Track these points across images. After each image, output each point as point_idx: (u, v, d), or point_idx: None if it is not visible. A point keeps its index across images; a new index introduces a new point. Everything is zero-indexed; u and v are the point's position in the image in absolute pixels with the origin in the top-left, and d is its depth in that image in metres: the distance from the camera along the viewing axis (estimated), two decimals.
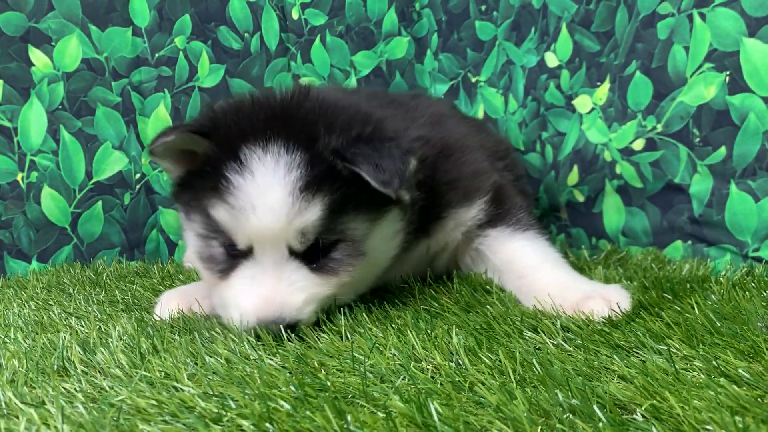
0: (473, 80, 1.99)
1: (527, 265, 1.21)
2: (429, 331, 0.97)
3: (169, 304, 1.17)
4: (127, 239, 1.77)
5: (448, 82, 2.06)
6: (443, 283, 1.28)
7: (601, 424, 0.66)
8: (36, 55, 1.65)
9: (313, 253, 1.06)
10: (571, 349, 0.90)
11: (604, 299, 1.04)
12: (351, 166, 1.02)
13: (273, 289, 1.03)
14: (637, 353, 0.88)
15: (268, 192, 1.01)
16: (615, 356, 0.85)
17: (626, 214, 1.57)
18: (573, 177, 1.68)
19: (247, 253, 1.05)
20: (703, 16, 1.37)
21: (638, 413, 0.70)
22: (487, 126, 1.79)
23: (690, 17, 1.39)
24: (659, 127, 1.47)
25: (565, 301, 1.06)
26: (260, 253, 1.04)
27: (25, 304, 1.32)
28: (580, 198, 1.67)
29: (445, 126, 1.36)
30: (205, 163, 1.06)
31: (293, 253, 1.04)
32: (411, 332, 0.95)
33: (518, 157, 1.72)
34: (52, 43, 1.66)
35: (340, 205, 1.04)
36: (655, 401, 0.71)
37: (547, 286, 1.12)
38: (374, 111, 1.17)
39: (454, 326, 0.97)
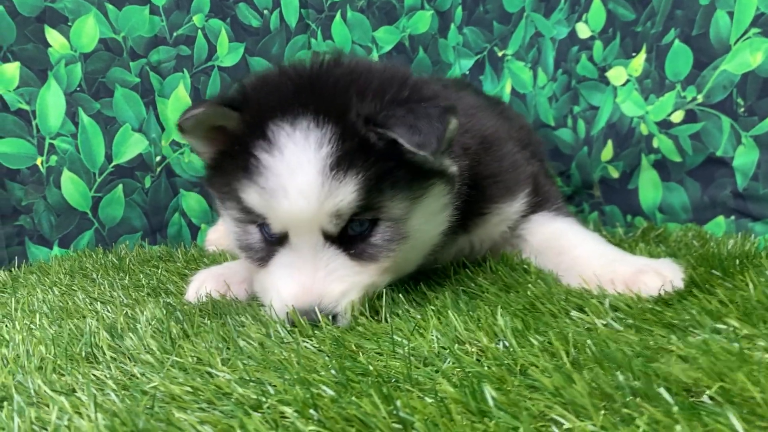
0: (500, 54, 1.93)
1: (568, 242, 1.15)
2: (471, 313, 0.92)
3: (201, 286, 1.12)
4: (149, 223, 1.74)
5: (473, 57, 2.00)
6: (477, 263, 1.23)
7: (671, 408, 0.62)
8: (53, 36, 1.61)
9: (352, 238, 1.00)
10: (623, 329, 0.85)
11: (658, 274, 0.97)
12: (383, 131, 0.95)
13: (311, 277, 0.97)
14: (694, 332, 0.83)
15: (297, 172, 0.95)
16: (672, 336, 0.80)
17: (663, 190, 1.51)
18: (607, 152, 1.62)
19: (282, 239, 1.00)
20: None
21: (706, 396, 0.65)
22: (505, 107, 1.71)
23: None
24: (700, 98, 1.40)
25: (615, 276, 0.99)
26: (295, 239, 0.99)
27: (49, 290, 1.29)
28: (615, 174, 1.61)
29: (478, 117, 1.27)
30: (234, 142, 1.01)
31: (328, 237, 0.99)
32: (452, 314, 0.90)
33: (533, 134, 1.65)
34: (69, 23, 1.62)
35: (376, 181, 0.97)
36: (724, 383, 0.66)
37: (591, 262, 1.06)
38: (411, 74, 1.09)
39: (498, 307, 0.92)
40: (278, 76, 1.06)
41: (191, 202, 1.78)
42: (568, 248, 1.13)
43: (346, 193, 0.95)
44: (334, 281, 0.97)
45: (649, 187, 1.54)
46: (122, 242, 1.70)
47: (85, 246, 1.67)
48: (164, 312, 1.04)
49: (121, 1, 1.66)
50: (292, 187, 0.95)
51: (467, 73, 2.02)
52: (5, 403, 0.76)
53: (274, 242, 1.01)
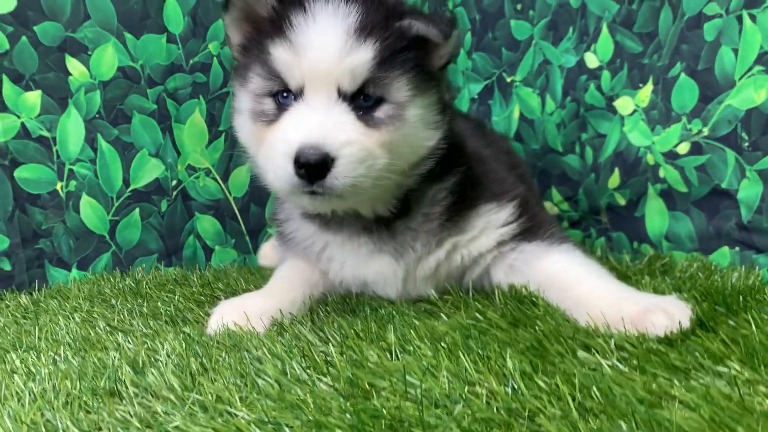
0: (508, 80, 1.96)
1: (571, 278, 1.18)
2: (480, 351, 0.95)
3: (222, 318, 1.17)
4: (165, 246, 1.78)
5: (482, 82, 2.04)
6: (486, 295, 1.26)
7: None
8: (73, 65, 1.65)
9: (360, 106, 1.12)
10: (627, 370, 0.88)
11: (665, 312, 1.00)
12: (401, 21, 1.12)
13: (320, 122, 1.09)
14: (697, 376, 0.86)
15: (325, 31, 1.10)
16: (674, 379, 0.83)
17: (670, 219, 1.54)
18: (614, 180, 1.65)
19: (297, 97, 1.13)
20: (753, 18, 1.33)
21: None
22: (488, 131, 1.79)
23: (739, 18, 1.36)
24: (705, 131, 1.43)
25: (623, 315, 1.01)
26: (311, 93, 1.11)
27: (70, 317, 1.33)
28: (622, 201, 1.64)
29: (471, 137, 1.41)
30: (271, 18, 1.16)
31: (342, 96, 1.11)
32: (462, 353, 0.94)
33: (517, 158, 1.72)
34: (89, 52, 1.66)
35: (388, 57, 1.11)
36: None
37: (598, 299, 1.09)
38: None
39: (507, 349, 0.95)
40: None
41: (206, 224, 1.82)
42: (572, 284, 1.16)
43: (364, 54, 1.10)
44: (340, 129, 1.09)
45: (655, 216, 1.57)
46: (138, 264, 1.74)
47: (102, 268, 1.71)
48: (183, 345, 1.08)
49: (140, 30, 1.71)
50: (318, 42, 1.10)
51: (476, 97, 2.05)
52: None
53: (287, 106, 1.14)
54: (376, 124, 1.13)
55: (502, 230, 1.28)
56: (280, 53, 1.12)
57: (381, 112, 1.14)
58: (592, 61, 1.69)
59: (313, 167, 1.06)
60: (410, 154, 1.19)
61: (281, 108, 1.15)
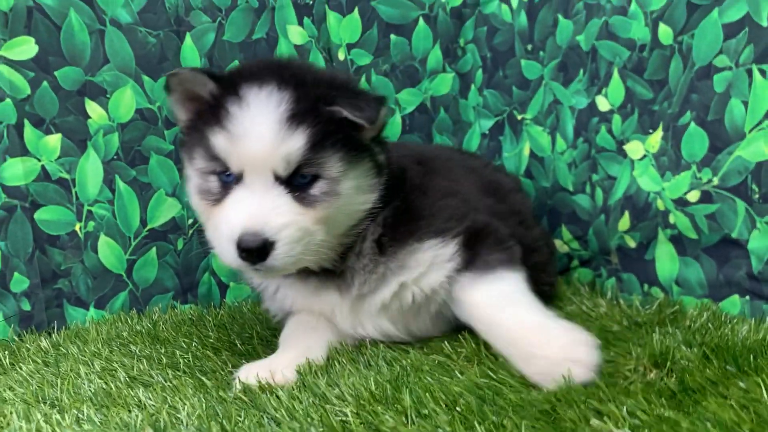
0: (519, 117, 1.99)
1: (488, 313, 1.26)
2: (494, 419, 0.97)
3: (248, 379, 1.20)
4: (181, 283, 1.80)
5: (493, 118, 2.06)
6: (495, 355, 1.28)
7: None
8: (92, 108, 1.68)
9: (296, 186, 1.20)
10: None
11: (573, 363, 1.10)
12: (330, 107, 1.19)
13: (259, 206, 1.18)
14: None
15: (260, 120, 1.18)
16: None
17: (680, 264, 1.56)
18: (624, 222, 1.66)
19: (238, 180, 1.21)
20: (763, 72, 1.35)
21: None
22: (485, 162, 1.83)
23: (749, 72, 1.37)
24: (715, 180, 1.45)
25: (532, 372, 1.12)
26: (250, 178, 1.20)
27: (90, 364, 1.36)
28: (632, 244, 1.66)
29: (429, 165, 1.48)
30: (210, 102, 1.24)
31: (278, 179, 1.19)
32: (477, 422, 0.96)
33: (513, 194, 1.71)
34: (107, 95, 1.69)
35: (320, 140, 1.19)
36: None
37: (509, 348, 1.19)
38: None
39: (522, 416, 0.97)
40: (254, 61, 1.40)
41: (221, 262, 1.84)
42: (489, 321, 1.25)
43: (296, 142, 1.18)
44: (278, 214, 1.18)
45: (666, 260, 1.59)
46: (155, 302, 1.77)
47: (120, 307, 1.74)
48: (203, 404, 1.10)
49: (157, 72, 1.73)
50: (253, 131, 1.18)
51: (487, 132, 2.07)
52: None
53: (230, 185, 1.22)
54: (312, 202, 1.21)
55: (448, 265, 1.33)
56: (219, 141, 1.20)
57: (316, 189, 1.22)
58: (603, 104, 1.71)
59: (254, 251, 1.16)
60: (347, 222, 1.29)
61: (225, 187, 1.23)
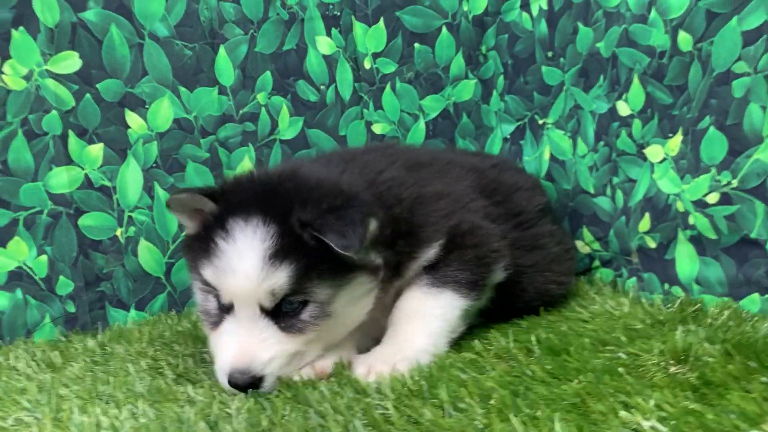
0: (540, 122, 2.04)
1: (398, 313, 1.36)
2: (528, 411, 1.03)
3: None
4: None
5: (514, 123, 2.11)
6: (524, 347, 1.34)
7: None
8: (132, 118, 1.76)
9: (284, 313, 1.24)
10: (666, 431, 0.95)
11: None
12: (317, 234, 1.20)
13: (246, 342, 1.22)
14: None
15: (244, 257, 1.21)
16: None
17: (700, 263, 1.60)
18: (644, 224, 1.71)
19: (230, 308, 1.25)
20: None
21: None
22: (495, 162, 1.83)
23: None
24: (734, 183, 1.49)
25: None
26: (238, 309, 1.24)
27: (137, 362, 1.43)
28: (652, 244, 1.70)
29: (419, 173, 1.50)
30: (202, 228, 1.29)
31: (264, 311, 1.23)
32: (512, 414, 1.02)
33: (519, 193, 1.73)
34: (146, 106, 1.77)
35: (306, 270, 1.21)
36: None
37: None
38: (348, 184, 1.34)
39: (554, 408, 1.02)
40: (247, 181, 1.35)
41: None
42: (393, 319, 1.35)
43: (280, 278, 1.20)
44: (264, 348, 1.22)
45: (685, 260, 1.63)
46: (192, 304, 1.84)
47: (158, 308, 1.82)
48: (252, 400, 1.17)
49: (193, 83, 1.81)
50: (239, 268, 1.21)
51: (508, 137, 2.13)
52: None
53: (224, 310, 1.27)
54: (301, 328, 1.25)
55: (424, 262, 1.39)
56: (208, 275, 1.26)
57: (306, 314, 1.25)
58: (623, 109, 1.76)
59: (243, 387, 1.22)
60: (345, 330, 1.33)
61: (221, 311, 1.28)
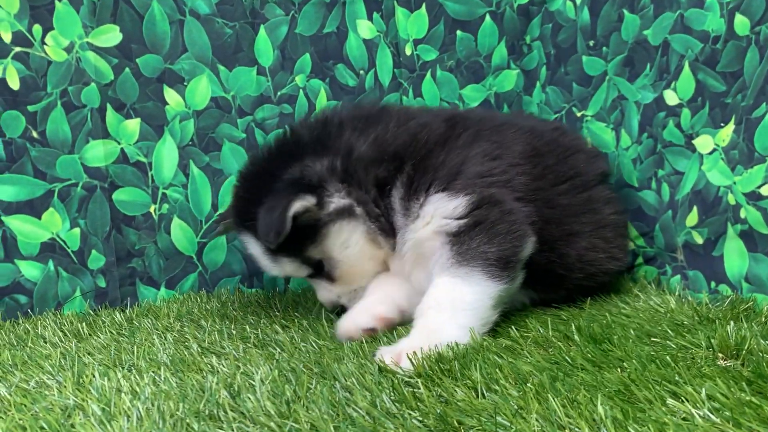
0: (578, 114, 1.98)
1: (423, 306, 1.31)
2: (568, 395, 0.97)
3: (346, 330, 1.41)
4: (247, 268, 1.85)
5: (552, 116, 2.05)
6: (564, 335, 1.28)
7: None
8: (170, 95, 1.75)
9: (322, 271, 1.50)
10: (720, 422, 0.88)
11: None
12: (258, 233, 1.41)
13: (321, 291, 1.55)
14: None
15: (260, 260, 1.52)
16: None
17: (750, 260, 1.52)
18: (692, 218, 1.63)
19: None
20: None
21: None
22: (560, 127, 1.77)
23: None
24: None
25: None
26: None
27: (163, 336, 1.41)
28: (699, 240, 1.63)
29: (462, 124, 1.49)
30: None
31: (309, 276, 1.52)
32: (551, 395, 0.96)
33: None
34: (185, 83, 1.76)
35: (295, 246, 1.42)
36: None
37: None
38: (292, 157, 1.46)
39: (597, 393, 0.97)
40: (239, 186, 1.55)
41: None
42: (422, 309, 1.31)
43: (286, 263, 1.49)
44: (330, 291, 1.52)
45: (734, 256, 1.55)
46: (222, 285, 1.83)
47: (189, 288, 1.80)
48: (277, 372, 1.13)
49: (232, 62, 1.80)
50: (267, 267, 1.52)
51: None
52: None
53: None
54: (331, 276, 1.52)
55: (444, 221, 1.33)
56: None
57: (327, 267, 1.50)
58: (671, 98, 1.69)
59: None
60: (368, 266, 1.52)
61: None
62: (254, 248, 1.49)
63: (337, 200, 1.41)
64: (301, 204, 1.37)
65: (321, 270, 1.49)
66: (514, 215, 1.34)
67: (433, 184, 1.37)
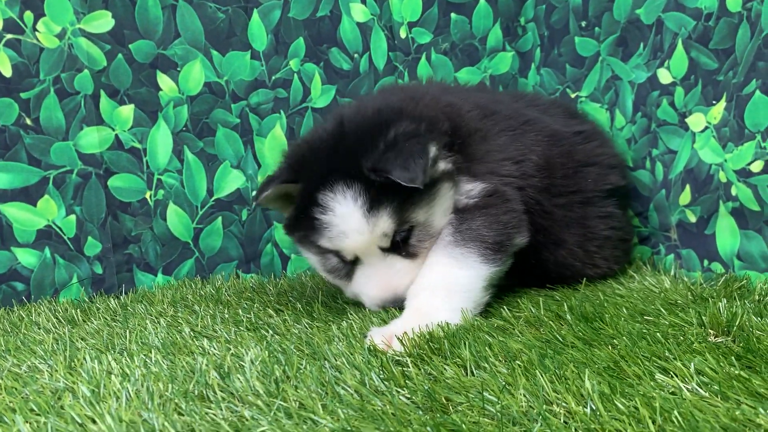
0: (572, 96, 1.97)
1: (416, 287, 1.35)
2: (557, 371, 0.97)
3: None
4: (244, 253, 1.86)
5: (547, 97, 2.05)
6: (556, 314, 1.28)
7: None
8: (163, 80, 1.75)
9: (398, 243, 1.36)
10: (709, 396, 0.88)
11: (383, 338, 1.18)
12: (386, 175, 1.27)
13: (386, 278, 1.37)
14: None
15: (349, 221, 1.32)
16: (760, 408, 0.83)
17: (742, 238, 1.51)
18: (685, 197, 1.63)
19: (356, 261, 1.40)
20: None
21: None
22: (585, 131, 1.71)
23: None
24: None
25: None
26: (365, 258, 1.38)
27: (156, 321, 1.41)
28: (692, 218, 1.62)
29: (489, 120, 1.51)
30: (299, 208, 1.39)
31: (384, 249, 1.36)
32: (539, 372, 0.96)
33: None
34: (178, 69, 1.76)
35: (399, 205, 1.32)
36: None
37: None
38: (394, 116, 1.39)
39: (585, 369, 0.97)
40: (309, 150, 1.42)
41: (283, 233, 1.88)
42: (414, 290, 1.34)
43: (384, 221, 1.32)
44: (401, 277, 1.37)
45: (726, 234, 1.54)
46: (219, 271, 1.83)
47: (186, 274, 1.80)
48: (267, 353, 1.14)
49: (225, 47, 1.79)
50: (349, 230, 1.33)
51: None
52: None
53: (350, 263, 1.41)
54: (415, 251, 1.38)
55: (456, 197, 1.40)
56: (326, 244, 1.37)
57: (414, 239, 1.37)
58: (665, 76, 1.68)
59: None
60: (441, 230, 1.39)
61: (346, 264, 1.42)
62: (347, 206, 1.32)
63: (444, 163, 1.38)
64: (434, 149, 1.33)
65: (403, 242, 1.36)
66: (516, 212, 1.41)
67: (461, 170, 1.41)
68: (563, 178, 1.54)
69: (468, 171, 1.41)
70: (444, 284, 1.32)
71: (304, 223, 1.38)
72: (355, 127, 1.40)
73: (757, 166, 1.45)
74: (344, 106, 1.59)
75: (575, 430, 0.81)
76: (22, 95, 1.64)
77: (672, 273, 1.62)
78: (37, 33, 1.64)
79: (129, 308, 1.56)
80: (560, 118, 1.70)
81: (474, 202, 1.38)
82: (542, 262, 1.51)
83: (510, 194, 1.41)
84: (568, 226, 1.54)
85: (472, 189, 1.39)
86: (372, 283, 1.39)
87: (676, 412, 0.81)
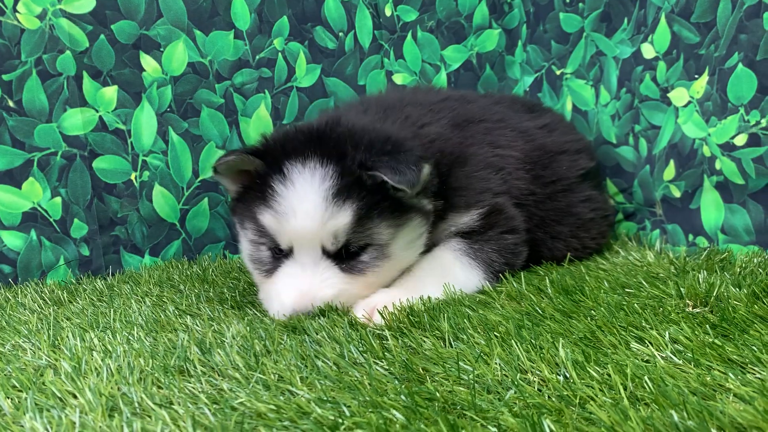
0: (558, 72, 1.97)
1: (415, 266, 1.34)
2: (533, 341, 0.98)
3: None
4: (231, 234, 1.86)
5: (533, 75, 2.04)
6: (538, 288, 1.29)
7: None
8: (146, 61, 1.74)
9: (344, 256, 1.24)
10: (681, 362, 0.90)
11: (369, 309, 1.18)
12: (373, 173, 1.20)
13: (308, 283, 1.23)
14: (753, 370, 0.86)
15: (305, 198, 1.21)
16: (729, 373, 0.84)
17: (726, 211, 1.52)
18: (669, 172, 1.64)
19: (288, 254, 1.26)
20: None
21: None
22: (549, 123, 1.72)
23: None
24: (763, 122, 1.41)
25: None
26: (299, 253, 1.24)
27: (142, 300, 1.42)
28: (677, 193, 1.63)
29: (466, 132, 1.49)
30: (256, 179, 1.28)
31: (326, 253, 1.23)
32: (515, 342, 0.97)
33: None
34: (161, 49, 1.75)
35: (366, 211, 1.22)
36: None
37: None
38: (394, 132, 1.34)
39: (560, 339, 0.98)
40: (294, 132, 1.33)
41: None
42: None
43: (344, 217, 1.21)
44: (327, 287, 1.23)
45: (711, 208, 1.55)
46: (206, 252, 1.83)
47: (173, 255, 1.81)
48: (248, 329, 1.14)
49: (208, 27, 1.78)
50: (300, 209, 1.21)
51: (528, 89, 2.06)
52: (115, 414, 0.86)
53: (280, 257, 1.27)
54: (361, 269, 1.26)
55: (454, 229, 1.40)
56: (267, 220, 1.25)
57: (366, 257, 1.26)
58: (648, 51, 1.68)
59: None
60: (396, 273, 1.32)
61: (276, 258, 1.28)
62: (311, 183, 1.21)
63: (426, 201, 1.33)
64: (428, 169, 1.27)
65: (349, 257, 1.25)
66: (515, 221, 1.44)
67: (452, 205, 1.39)
68: (543, 169, 1.57)
69: (459, 204, 1.39)
70: (444, 269, 1.33)
71: (255, 195, 1.27)
72: (351, 127, 1.32)
73: (740, 140, 1.45)
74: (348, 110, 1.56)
75: (548, 396, 0.82)
76: (4, 77, 1.64)
77: (656, 248, 1.63)
78: (17, 14, 1.63)
79: (115, 289, 1.56)
80: (524, 116, 1.72)
81: (478, 225, 1.39)
82: (539, 254, 1.53)
83: (501, 203, 1.42)
84: (561, 218, 1.56)
85: (470, 218, 1.39)
86: (292, 285, 1.23)
87: (647, 377, 0.82)
